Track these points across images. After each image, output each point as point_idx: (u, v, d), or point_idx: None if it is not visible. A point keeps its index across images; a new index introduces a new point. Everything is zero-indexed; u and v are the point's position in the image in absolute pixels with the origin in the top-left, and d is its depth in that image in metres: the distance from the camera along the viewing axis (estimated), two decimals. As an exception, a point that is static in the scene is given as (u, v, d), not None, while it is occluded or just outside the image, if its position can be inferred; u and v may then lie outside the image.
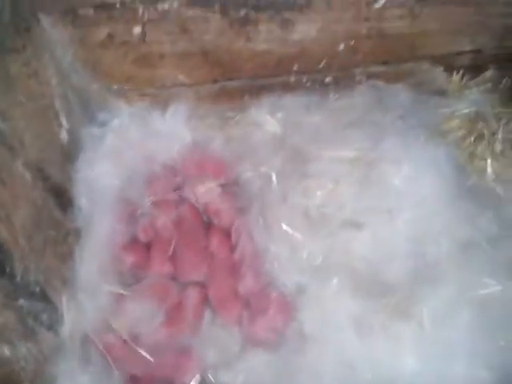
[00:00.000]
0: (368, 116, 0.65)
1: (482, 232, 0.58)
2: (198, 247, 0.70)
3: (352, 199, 0.62)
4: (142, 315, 0.63)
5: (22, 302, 0.55)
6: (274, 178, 0.68)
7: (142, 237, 0.71)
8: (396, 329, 0.54)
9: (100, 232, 0.69)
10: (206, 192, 0.74)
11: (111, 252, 0.68)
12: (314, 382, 0.53)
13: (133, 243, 0.70)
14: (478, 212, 0.59)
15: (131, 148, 0.74)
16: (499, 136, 0.68)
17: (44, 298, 0.59)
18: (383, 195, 0.59)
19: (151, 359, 0.60)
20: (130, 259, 0.68)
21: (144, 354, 0.61)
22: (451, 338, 0.51)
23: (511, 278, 0.54)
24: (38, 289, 0.58)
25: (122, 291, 0.65)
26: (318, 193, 0.63)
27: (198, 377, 0.60)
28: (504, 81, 0.73)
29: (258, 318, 0.62)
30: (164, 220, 0.71)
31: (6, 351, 0.53)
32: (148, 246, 0.71)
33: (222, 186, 0.74)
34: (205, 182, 0.74)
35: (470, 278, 0.54)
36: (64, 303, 0.62)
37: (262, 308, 0.63)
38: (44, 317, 0.59)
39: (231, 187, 0.74)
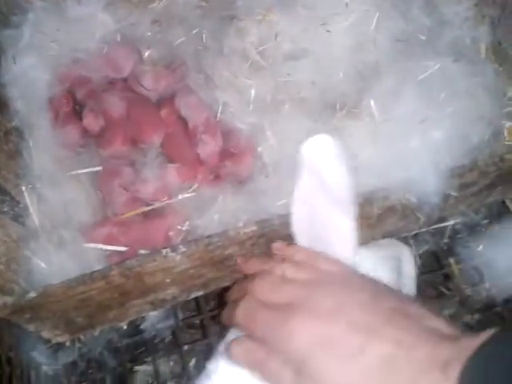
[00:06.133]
0: None
1: (415, 24, 0.59)
2: (151, 116, 0.69)
3: (285, 26, 0.61)
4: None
5: (-25, 192, 0.54)
6: (204, 35, 0.68)
7: (93, 126, 0.69)
8: (350, 127, 0.55)
9: (42, 128, 0.67)
10: (142, 74, 0.73)
11: (59, 143, 0.67)
12: (280, 197, 0.55)
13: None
14: (408, 7, 0.60)
15: (52, 39, 0.71)
16: None
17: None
18: (315, 11, 0.59)
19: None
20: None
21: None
22: (402, 116, 0.52)
23: (448, 55, 0.56)
24: (-10, 181, 0.56)
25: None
26: (252, 30, 0.62)
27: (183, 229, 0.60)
28: None
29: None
30: (113, 105, 0.69)
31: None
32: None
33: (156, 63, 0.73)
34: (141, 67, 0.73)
35: (411, 65, 0.55)
36: (26, 196, 0.61)
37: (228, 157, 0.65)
38: (5, 208, 0.58)
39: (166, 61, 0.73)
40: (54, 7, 0.72)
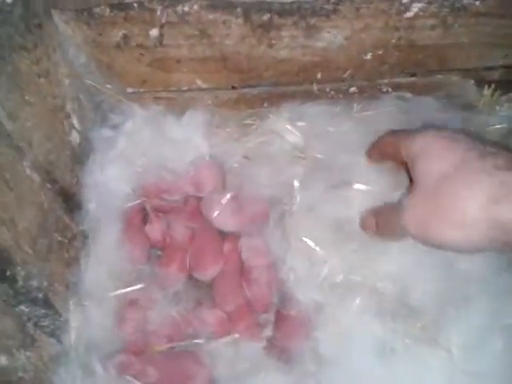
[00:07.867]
0: (395, 127, 0.61)
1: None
2: (212, 249, 0.68)
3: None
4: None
5: (22, 308, 0.53)
6: (296, 186, 0.65)
7: (155, 234, 0.69)
8: (422, 354, 0.50)
9: (107, 237, 0.66)
10: (220, 204, 0.71)
11: (119, 257, 0.65)
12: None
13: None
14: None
15: (144, 153, 0.71)
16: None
17: (46, 303, 0.56)
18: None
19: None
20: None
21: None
22: (482, 369, 0.46)
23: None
24: (40, 295, 0.55)
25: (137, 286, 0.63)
26: (355, 202, 0.59)
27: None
28: (537, 97, 0.70)
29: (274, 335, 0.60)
30: (180, 227, 0.70)
31: (4, 360, 0.50)
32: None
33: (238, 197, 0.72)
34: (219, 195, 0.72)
35: (504, 306, 0.50)
36: (70, 309, 0.59)
37: (278, 325, 0.60)
38: (45, 323, 0.56)
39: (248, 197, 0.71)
40: (153, 119, 0.73)
